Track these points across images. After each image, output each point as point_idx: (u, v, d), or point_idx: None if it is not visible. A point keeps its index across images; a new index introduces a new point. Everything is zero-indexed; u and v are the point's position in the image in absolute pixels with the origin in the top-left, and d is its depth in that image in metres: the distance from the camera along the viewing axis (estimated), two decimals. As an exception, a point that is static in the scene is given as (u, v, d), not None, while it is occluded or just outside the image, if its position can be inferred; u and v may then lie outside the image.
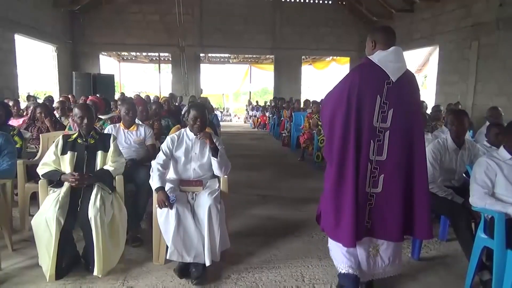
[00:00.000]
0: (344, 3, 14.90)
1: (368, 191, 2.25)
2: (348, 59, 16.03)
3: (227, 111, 20.93)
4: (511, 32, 7.99)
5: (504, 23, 8.15)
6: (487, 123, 4.76)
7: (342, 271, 2.38)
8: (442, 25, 10.41)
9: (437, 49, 10.98)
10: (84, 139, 2.93)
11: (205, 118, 2.97)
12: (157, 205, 2.70)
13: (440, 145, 3.17)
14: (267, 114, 14.28)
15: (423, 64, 17.84)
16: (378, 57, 2.24)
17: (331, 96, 2.35)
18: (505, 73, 8.22)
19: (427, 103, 7.33)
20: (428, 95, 11.88)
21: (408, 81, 2.24)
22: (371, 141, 2.20)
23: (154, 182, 2.75)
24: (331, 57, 17.89)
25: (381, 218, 2.26)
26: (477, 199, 2.54)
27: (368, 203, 2.26)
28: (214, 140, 2.94)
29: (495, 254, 2.35)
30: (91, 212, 2.60)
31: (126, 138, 3.71)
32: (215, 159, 2.90)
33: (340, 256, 2.38)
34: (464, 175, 3.30)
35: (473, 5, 9.14)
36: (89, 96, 7.04)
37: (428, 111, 7.19)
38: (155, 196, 2.75)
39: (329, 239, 2.46)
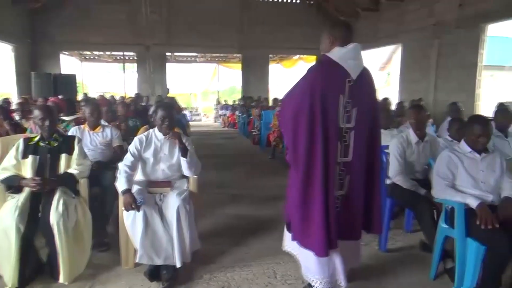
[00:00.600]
0: (311, 2, 15.08)
1: (336, 194, 2.17)
2: (315, 57, 16.26)
3: (196, 111, 20.73)
4: (470, 31, 8.35)
5: (463, 22, 8.50)
6: (449, 118, 4.97)
7: (316, 285, 2.26)
8: (406, 24, 10.74)
9: (400, 48, 11.35)
10: (46, 142, 2.81)
11: (173, 118, 2.92)
12: (123, 208, 2.62)
13: (403, 139, 3.28)
14: (236, 113, 14.26)
15: (386, 62, 18.39)
16: (337, 54, 2.15)
17: (291, 97, 2.23)
18: (464, 70, 8.58)
19: (391, 99, 7.54)
20: (392, 92, 12.25)
21: (367, 78, 2.21)
22: (338, 142, 2.12)
23: (121, 184, 2.68)
24: (298, 56, 18.08)
25: (346, 219, 2.19)
26: (439, 191, 2.64)
27: (335, 206, 2.16)
28: (184, 140, 2.90)
29: (456, 242, 2.45)
30: (53, 218, 2.50)
31: (92, 140, 3.60)
32: (185, 159, 2.86)
33: (313, 267, 2.25)
34: (426, 167, 3.43)
35: (435, 5, 9.47)
36: (50, 98, 6.76)
37: (393, 107, 7.40)
38: (121, 198, 2.67)
39: (299, 250, 2.31)
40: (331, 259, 2.21)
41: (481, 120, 2.70)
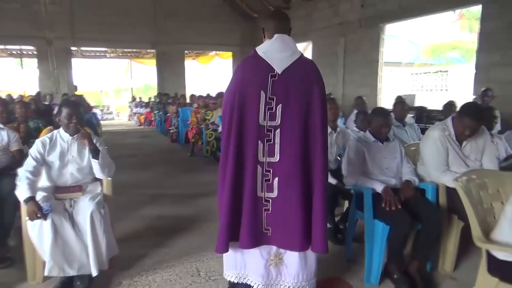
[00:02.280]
0: (224, -2, 15.11)
1: (262, 196, 2.03)
2: (231, 54, 16.37)
3: (107, 109, 19.59)
4: (371, 30, 9.13)
5: (365, 22, 9.27)
6: (355, 111, 5.37)
7: (231, 279, 2.21)
8: (315, 23, 11.33)
9: (311, 45, 11.95)
10: None
11: (80, 115, 2.72)
12: (27, 218, 2.37)
13: None
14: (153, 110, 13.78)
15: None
16: (263, 48, 2.05)
17: (226, 93, 2.13)
18: (367, 66, 9.37)
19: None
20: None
21: (299, 70, 2.00)
22: (259, 141, 1.99)
23: (22, 192, 2.40)
24: (214, 52, 18.04)
25: (280, 225, 2.03)
26: (350, 178, 2.85)
27: (263, 208, 2.03)
28: (94, 141, 2.71)
29: (365, 224, 2.67)
30: None
31: (-16, 144, 3.19)
32: (96, 161, 2.67)
33: (229, 261, 2.21)
34: (338, 157, 3.67)
35: (340, 5, 10.16)
36: None
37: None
38: (23, 208, 2.41)
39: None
40: (243, 255, 2.14)
41: (383, 112, 2.99)
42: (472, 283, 2.10)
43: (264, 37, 2.11)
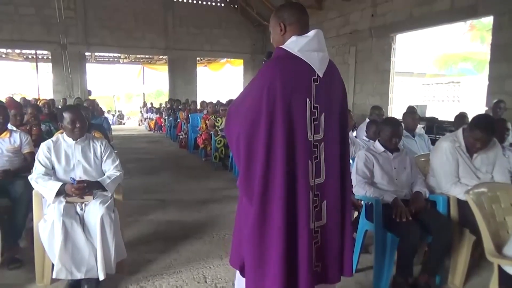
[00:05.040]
0: (236, 6, 15.25)
1: (313, 227, 1.67)
2: (241, 61, 16.47)
3: (120, 114, 19.81)
4: (381, 39, 9.14)
5: (375, 31, 9.29)
6: (367, 120, 5.32)
7: None
8: (325, 32, 11.29)
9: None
10: None
11: (83, 119, 2.72)
12: (74, 196, 2.52)
13: None
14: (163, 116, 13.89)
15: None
16: (297, 45, 1.63)
17: (243, 105, 1.66)
18: (378, 75, 9.36)
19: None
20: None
21: (332, 73, 1.72)
22: (309, 161, 1.63)
23: (50, 186, 2.48)
24: (225, 59, 18.18)
25: (327, 257, 1.72)
26: (359, 188, 2.83)
27: (314, 241, 1.67)
28: (103, 147, 2.78)
29: (375, 235, 2.64)
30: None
31: (-3, 147, 3.24)
32: (107, 191, 2.67)
33: None
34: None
35: (350, 15, 10.20)
36: None
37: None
38: (35, 209, 2.45)
39: None
40: None
41: (394, 122, 2.96)
42: (482, 299, 2.07)
43: (283, 32, 1.71)
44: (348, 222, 1.79)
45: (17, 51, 16.19)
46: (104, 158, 2.81)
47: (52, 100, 9.58)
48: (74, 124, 2.66)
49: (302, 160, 1.61)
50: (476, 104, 10.47)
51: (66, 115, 2.67)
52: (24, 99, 9.28)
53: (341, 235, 1.75)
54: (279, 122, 1.57)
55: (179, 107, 11.76)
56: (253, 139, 1.60)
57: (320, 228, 1.69)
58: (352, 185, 1.83)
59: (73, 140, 2.72)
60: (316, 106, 1.63)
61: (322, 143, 1.66)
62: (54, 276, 2.41)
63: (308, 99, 1.61)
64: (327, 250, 1.71)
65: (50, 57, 14.06)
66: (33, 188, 2.58)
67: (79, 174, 2.71)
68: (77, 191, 2.51)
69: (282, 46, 1.67)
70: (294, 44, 1.64)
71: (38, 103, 7.82)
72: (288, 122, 1.58)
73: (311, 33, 1.66)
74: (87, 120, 3.01)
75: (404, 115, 4.56)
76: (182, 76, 15.29)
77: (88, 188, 2.57)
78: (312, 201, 1.65)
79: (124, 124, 18.95)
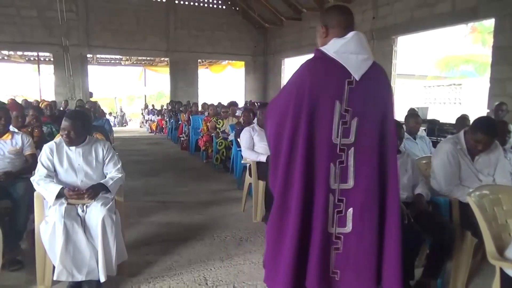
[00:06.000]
0: (237, 8, 15.28)
1: (333, 232, 1.68)
2: (243, 63, 16.50)
3: (121, 115, 19.84)
4: (382, 41, 9.16)
5: (376, 33, 9.31)
6: None
7: None
8: (327, 33, 11.38)
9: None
10: None
11: (78, 129, 2.64)
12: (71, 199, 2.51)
13: None
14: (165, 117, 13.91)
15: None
16: (334, 47, 1.66)
17: (276, 104, 1.77)
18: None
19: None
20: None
21: (376, 78, 1.69)
22: (331, 164, 1.64)
23: (51, 189, 2.47)
24: (226, 61, 18.21)
25: (352, 267, 1.69)
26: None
27: (333, 247, 1.68)
28: (105, 150, 2.78)
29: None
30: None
31: (-1, 148, 3.25)
32: (109, 193, 2.67)
33: None
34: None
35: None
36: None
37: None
38: (36, 211, 2.45)
39: None
40: None
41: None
42: (484, 302, 2.06)
43: (325, 35, 1.75)
44: (391, 232, 1.71)
45: (19, 53, 16.25)
46: (107, 161, 2.80)
47: (54, 102, 9.63)
48: (65, 132, 2.62)
49: (323, 161, 1.64)
50: (477, 107, 10.45)
51: (62, 122, 2.65)
52: (25, 101, 9.31)
53: (378, 245, 1.70)
54: (303, 123, 1.61)
55: (181, 109, 11.78)
56: (280, 138, 1.68)
57: (343, 235, 1.68)
58: (399, 193, 1.74)
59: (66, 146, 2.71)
60: (347, 110, 1.63)
61: (352, 148, 1.65)
62: (55, 278, 2.41)
63: (338, 101, 1.62)
64: (351, 259, 1.68)
65: (52, 59, 14.13)
66: (34, 190, 2.59)
67: (80, 177, 2.70)
68: (74, 195, 2.50)
69: (320, 48, 1.72)
70: (331, 46, 1.67)
71: (40, 105, 7.86)
72: (310, 122, 1.61)
73: (349, 35, 1.67)
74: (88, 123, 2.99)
75: (407, 117, 4.55)
76: (183, 78, 15.31)
77: (95, 192, 2.56)
78: (334, 205, 1.66)
79: (126, 125, 18.99)
